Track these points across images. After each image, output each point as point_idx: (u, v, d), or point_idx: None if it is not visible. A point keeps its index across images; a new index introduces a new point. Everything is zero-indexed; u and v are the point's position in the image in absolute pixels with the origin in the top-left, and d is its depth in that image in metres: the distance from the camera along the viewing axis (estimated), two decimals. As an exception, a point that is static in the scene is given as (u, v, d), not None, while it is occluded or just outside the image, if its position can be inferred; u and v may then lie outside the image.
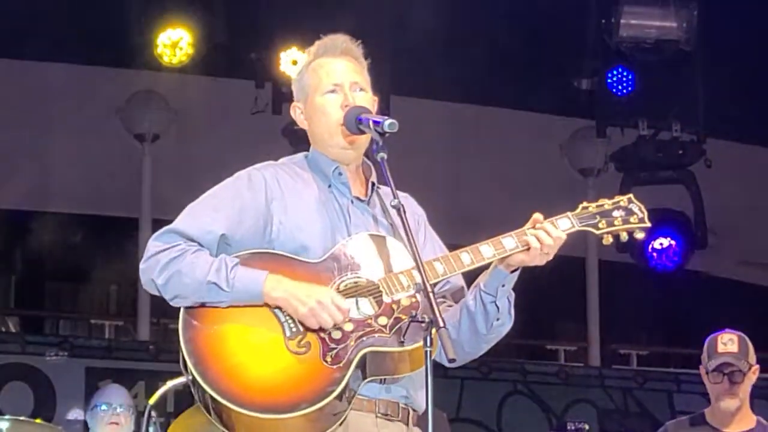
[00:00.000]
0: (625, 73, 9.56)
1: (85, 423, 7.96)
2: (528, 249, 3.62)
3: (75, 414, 9.07)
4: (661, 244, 9.89)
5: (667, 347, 11.01)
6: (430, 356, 3.38)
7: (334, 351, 3.49)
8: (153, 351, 9.42)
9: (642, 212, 3.83)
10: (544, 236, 3.63)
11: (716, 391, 5.63)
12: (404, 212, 3.52)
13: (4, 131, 9.88)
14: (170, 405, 8.01)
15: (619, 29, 9.05)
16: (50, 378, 9.18)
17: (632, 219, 3.81)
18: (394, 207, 3.54)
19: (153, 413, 6.14)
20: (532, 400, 10.18)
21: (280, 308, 3.55)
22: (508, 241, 3.65)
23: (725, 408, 5.62)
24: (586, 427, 7.73)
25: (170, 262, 3.56)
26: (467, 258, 3.65)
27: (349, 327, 3.53)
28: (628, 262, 10.21)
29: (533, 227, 3.65)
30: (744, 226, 10.63)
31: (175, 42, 9.15)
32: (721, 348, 5.64)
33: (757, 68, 9.27)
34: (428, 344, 3.38)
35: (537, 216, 3.68)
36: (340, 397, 3.47)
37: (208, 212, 3.65)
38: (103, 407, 7.22)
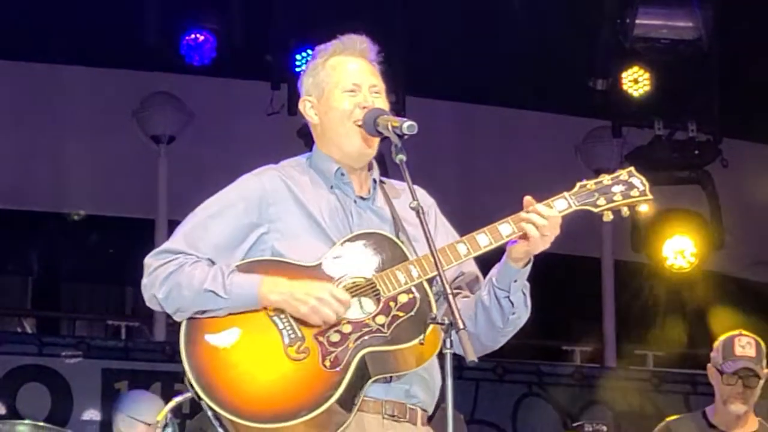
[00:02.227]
0: (640, 73, 9.53)
1: (102, 425, 7.96)
2: (525, 236, 3.58)
3: (90, 415, 9.09)
4: (677, 244, 9.85)
5: (684, 348, 10.96)
6: (451, 359, 3.35)
7: (333, 354, 3.48)
8: (169, 352, 9.42)
9: (644, 185, 3.78)
10: (537, 219, 3.58)
11: (727, 394, 5.58)
12: (423, 212, 3.50)
13: (21, 133, 9.91)
14: (186, 407, 8.01)
15: (634, 29, 9.03)
16: (67, 379, 9.19)
17: (633, 193, 3.76)
18: (413, 209, 3.51)
19: (169, 415, 6.14)
20: (548, 401, 10.15)
21: (278, 315, 3.54)
22: (505, 228, 3.62)
23: (735, 411, 5.57)
24: (604, 428, 7.69)
25: (169, 276, 3.59)
26: (463, 248, 3.62)
27: (347, 329, 3.52)
28: (643, 262, 10.18)
29: (527, 210, 3.61)
30: (760, 226, 10.59)
31: (200, 44, 9.19)
32: (739, 351, 5.59)
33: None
34: (448, 346, 3.35)
35: (528, 198, 3.63)
36: (342, 400, 3.45)
37: (202, 227, 3.66)
38: (141, 426, 7.06)
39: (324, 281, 3.57)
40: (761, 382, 5.60)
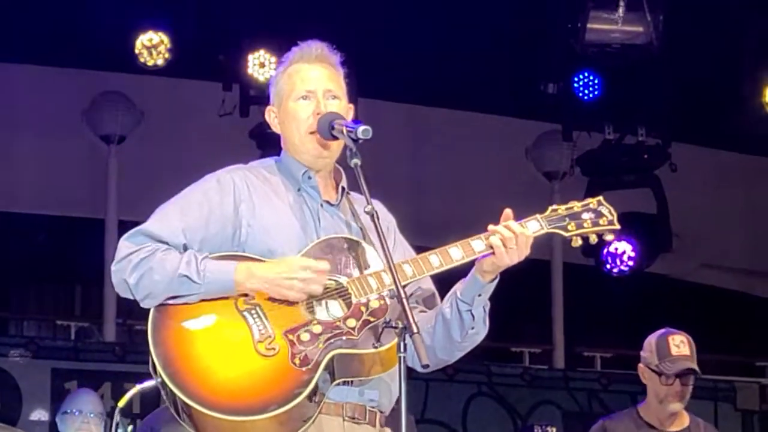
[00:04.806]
0: (591, 78, 9.61)
1: (52, 425, 7.95)
2: (498, 248, 3.62)
3: (38, 415, 9.05)
4: (615, 248, 9.92)
5: (631, 350, 11.05)
6: (404, 362, 3.39)
7: (303, 353, 3.50)
8: (119, 352, 9.40)
9: (611, 214, 3.85)
10: (503, 231, 3.64)
11: (664, 392, 5.57)
12: (377, 218, 3.54)
13: (-31, 132, 9.84)
14: (137, 406, 8.00)
15: (585, 33, 9.09)
16: (16, 379, 9.15)
17: (602, 221, 3.84)
18: (367, 213, 3.55)
19: (119, 416, 6.14)
20: (497, 401, 10.21)
21: (249, 310, 3.56)
22: (477, 244, 3.66)
23: (673, 409, 5.59)
24: (553, 429, 7.76)
25: (141, 261, 3.58)
26: (436, 260, 3.66)
27: (317, 329, 3.54)
28: (592, 265, 10.26)
29: (503, 226, 3.65)
30: (707, 230, 10.70)
31: (155, 45, 9.14)
32: (675, 351, 5.58)
33: (722, 73, 9.34)
34: (402, 350, 3.40)
35: (507, 211, 3.69)
36: (309, 399, 3.48)
37: (177, 215, 3.67)
38: (75, 413, 7.22)
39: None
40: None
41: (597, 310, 10.67)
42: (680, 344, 5.60)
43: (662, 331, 5.68)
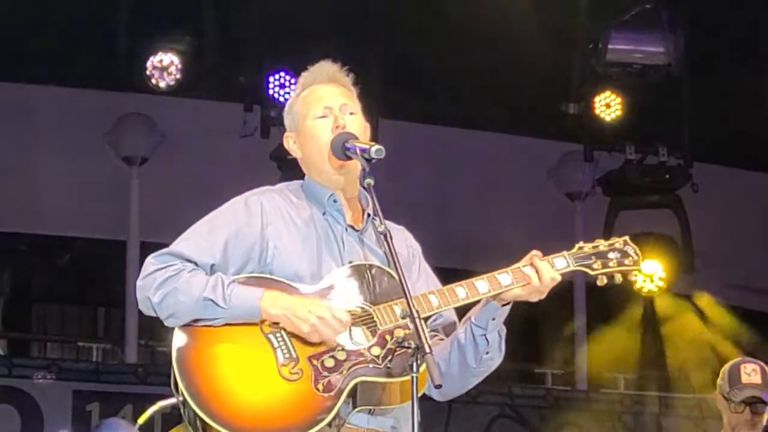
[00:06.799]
0: (612, 98, 9.60)
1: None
2: (526, 284, 3.67)
3: (60, 436, 9.05)
4: (646, 268, 9.89)
5: (654, 371, 11.01)
6: (416, 382, 3.39)
7: (327, 379, 3.51)
8: (141, 374, 9.40)
9: (637, 255, 3.90)
10: (543, 274, 3.69)
11: (736, 421, 5.52)
12: (390, 238, 3.55)
13: (-8, 153, 9.88)
14: (157, 428, 7.99)
15: (606, 54, 9.08)
16: (37, 401, 9.14)
17: (627, 261, 3.88)
18: (380, 233, 3.56)
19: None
20: (520, 423, 10.17)
21: (274, 333, 3.56)
22: (504, 278, 3.69)
23: None
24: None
25: (166, 281, 3.59)
26: (462, 292, 3.67)
27: (342, 356, 3.55)
28: (615, 285, 10.22)
29: (530, 264, 3.69)
30: (730, 250, 10.65)
31: (165, 66, 9.17)
32: (745, 378, 5.54)
33: (743, 93, 9.32)
34: (414, 370, 3.39)
35: (536, 252, 3.72)
36: (329, 425, 3.48)
37: (204, 235, 3.68)
38: None
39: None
40: None
41: (620, 330, 10.62)
42: (751, 372, 5.56)
43: (738, 359, 5.65)
